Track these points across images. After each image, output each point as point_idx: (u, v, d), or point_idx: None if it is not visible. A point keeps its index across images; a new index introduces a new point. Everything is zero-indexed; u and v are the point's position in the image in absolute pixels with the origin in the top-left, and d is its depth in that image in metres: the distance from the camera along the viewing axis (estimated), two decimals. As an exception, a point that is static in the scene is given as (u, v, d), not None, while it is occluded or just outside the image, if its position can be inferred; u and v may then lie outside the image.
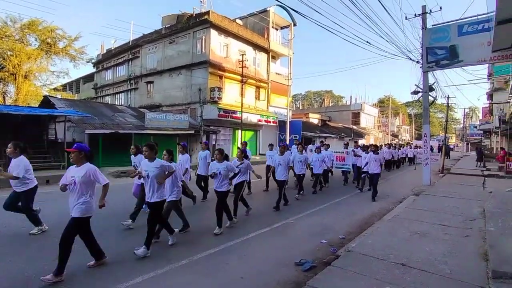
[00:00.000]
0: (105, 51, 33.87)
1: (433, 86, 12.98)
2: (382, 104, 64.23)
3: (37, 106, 19.33)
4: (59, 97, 24.69)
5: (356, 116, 45.70)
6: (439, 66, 12.20)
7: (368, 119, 48.18)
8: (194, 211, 7.14)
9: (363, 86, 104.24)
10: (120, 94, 31.17)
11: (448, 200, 8.50)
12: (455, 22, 11.72)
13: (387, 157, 18.34)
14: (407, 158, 23.76)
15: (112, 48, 32.18)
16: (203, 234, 5.64)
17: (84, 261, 4.13)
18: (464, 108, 50.99)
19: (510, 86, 14.68)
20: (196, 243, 5.11)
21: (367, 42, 12.74)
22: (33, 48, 24.34)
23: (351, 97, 52.16)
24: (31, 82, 25.11)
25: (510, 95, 14.33)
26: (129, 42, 29.24)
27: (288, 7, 10.08)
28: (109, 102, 30.51)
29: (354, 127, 43.11)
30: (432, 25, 12.37)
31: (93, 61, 33.91)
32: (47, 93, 24.37)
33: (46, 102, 16.89)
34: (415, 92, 13.15)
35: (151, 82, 26.75)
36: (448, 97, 20.21)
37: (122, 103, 29.46)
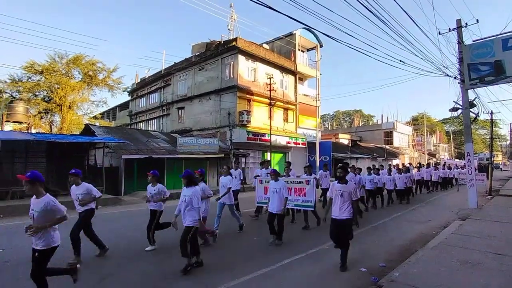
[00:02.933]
0: (139, 80, 35.84)
1: (474, 102, 12.32)
2: (416, 122, 61.79)
3: (79, 133, 20.66)
4: (98, 124, 26.25)
5: (388, 135, 44.24)
6: (484, 83, 11.63)
7: (402, 138, 46.42)
8: (228, 236, 7.06)
9: (394, 104, 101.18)
10: (153, 120, 32.53)
11: (500, 225, 7.79)
12: (498, 36, 11.27)
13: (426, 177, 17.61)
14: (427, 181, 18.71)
15: (146, 77, 34.00)
16: (238, 258, 5.53)
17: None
18: (511, 123, 47.69)
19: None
20: (232, 269, 5.02)
21: (400, 61, 12.48)
22: (76, 80, 26.41)
23: (382, 116, 50.90)
24: (74, 112, 27.09)
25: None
26: (161, 71, 30.77)
27: (315, 29, 10.17)
28: (143, 128, 31.89)
29: (387, 146, 41.62)
30: (473, 41, 11.95)
31: (128, 90, 35.97)
32: (87, 122, 26.14)
33: (87, 130, 18.05)
34: (454, 109, 12.52)
35: (182, 107, 27.71)
36: (492, 113, 19.05)
37: (155, 128, 30.66)
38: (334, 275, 4.82)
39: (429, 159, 41.27)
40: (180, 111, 28.09)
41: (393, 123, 45.04)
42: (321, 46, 30.52)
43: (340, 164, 5.43)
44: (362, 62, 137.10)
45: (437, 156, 56.20)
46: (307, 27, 13.32)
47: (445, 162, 24.49)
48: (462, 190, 16.69)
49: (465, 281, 4.13)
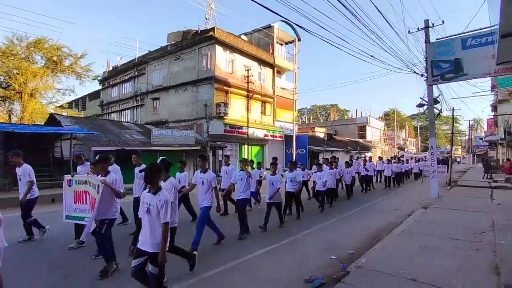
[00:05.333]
0: (111, 68, 34.62)
1: (438, 99, 13.06)
2: (387, 117, 64.22)
3: (43, 124, 19.63)
4: (65, 114, 25.13)
5: (362, 129, 45.72)
6: (444, 79, 12.28)
7: (374, 132, 48.12)
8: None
9: (368, 100, 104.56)
10: (126, 111, 31.66)
11: (457, 213, 8.44)
12: (458, 35, 11.83)
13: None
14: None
15: (118, 65, 32.89)
16: (209, 251, 5.65)
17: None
18: (469, 120, 50.75)
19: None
20: (202, 262, 5.10)
21: (371, 56, 12.94)
22: (39, 66, 24.86)
23: (356, 110, 52.30)
24: (36, 100, 25.51)
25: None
26: (135, 59, 29.90)
27: (293, 22, 10.34)
28: (115, 119, 30.98)
29: (360, 140, 43.05)
30: (436, 39, 12.50)
31: (99, 78, 34.62)
32: (53, 111, 24.79)
33: (52, 120, 17.20)
34: (420, 105, 13.24)
35: (157, 98, 27.17)
36: (453, 109, 20.23)
37: (128, 119, 29.88)
38: (305, 264, 5.07)
39: (397, 153, 43.10)
40: (155, 101, 27.53)
41: (367, 118, 46.59)
42: (299, 39, 30.84)
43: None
44: (338, 58, 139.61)
45: (405, 149, 58.84)
46: (285, 20, 13.43)
47: (401, 155, 25.23)
48: (426, 181, 17.72)
49: (424, 264, 4.52)
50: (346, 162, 13.31)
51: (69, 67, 26.52)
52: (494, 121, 33.95)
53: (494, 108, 31.29)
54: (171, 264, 4.85)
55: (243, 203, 6.75)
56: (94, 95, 38.99)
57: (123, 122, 24.84)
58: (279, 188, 7.40)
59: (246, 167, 7.14)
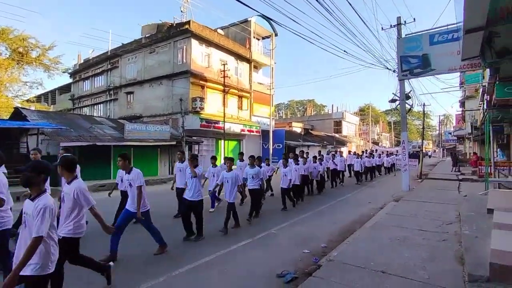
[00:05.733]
0: (82, 61, 33.14)
1: (409, 94, 13.43)
2: (362, 112, 65.79)
3: (7, 118, 18.51)
4: (33, 108, 23.83)
5: (338, 124, 46.51)
6: (413, 74, 12.53)
7: (350, 127, 49.13)
8: (174, 224, 7.00)
9: (344, 96, 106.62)
10: (99, 105, 30.45)
11: (426, 205, 8.71)
12: (426, 31, 12.10)
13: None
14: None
15: (90, 58, 31.52)
16: (183, 248, 5.52)
17: None
18: (439, 115, 52.95)
19: (480, 94, 15.42)
20: (175, 259, 4.96)
21: (344, 51, 13.13)
22: (3, 57, 23.41)
23: (332, 106, 53.18)
24: (1, 93, 24.08)
25: (481, 103, 15.02)
26: (107, 52, 28.73)
27: (268, 17, 10.24)
28: (88, 114, 29.75)
29: (336, 135, 43.81)
30: (406, 35, 12.76)
31: (70, 71, 33.07)
32: (19, 105, 23.42)
33: (18, 114, 16.22)
34: (393, 101, 13.56)
35: (131, 92, 26.30)
36: (424, 105, 20.97)
37: (101, 114, 28.76)
38: (278, 258, 5.04)
39: (371, 147, 44.33)
40: (129, 96, 26.65)
41: (342, 113, 47.46)
42: (276, 34, 30.74)
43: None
44: (315, 55, 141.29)
45: (379, 144, 60.61)
46: (261, 15, 13.29)
47: (375, 150, 25.50)
48: (398, 174, 18.31)
49: (393, 255, 4.60)
50: (314, 157, 12.57)
51: (36, 59, 25.12)
52: (462, 116, 35.53)
53: (462, 104, 32.70)
54: (139, 262, 4.71)
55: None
56: (65, 88, 37.19)
57: (95, 116, 23.86)
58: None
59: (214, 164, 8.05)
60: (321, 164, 12.23)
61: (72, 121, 17.94)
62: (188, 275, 4.37)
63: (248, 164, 8.16)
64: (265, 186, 10.17)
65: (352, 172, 17.25)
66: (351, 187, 14.52)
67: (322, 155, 14.17)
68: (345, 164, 16.25)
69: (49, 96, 40.72)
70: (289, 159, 10.28)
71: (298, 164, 9.98)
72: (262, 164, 9.83)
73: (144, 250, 5.20)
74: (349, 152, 19.83)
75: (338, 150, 25.39)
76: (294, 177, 9.16)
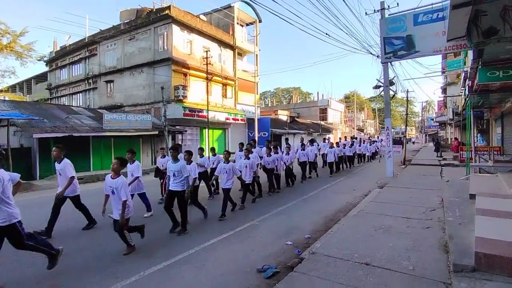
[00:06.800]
0: (58, 48, 31.65)
1: (393, 80, 13.34)
2: (347, 99, 66.15)
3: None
4: (6, 98, 22.67)
5: (323, 111, 46.57)
6: (397, 56, 12.13)
7: (335, 115, 49.31)
8: (148, 220, 6.72)
9: (329, 83, 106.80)
10: (78, 94, 29.28)
11: (410, 191, 8.70)
12: (411, 11, 11.62)
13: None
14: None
15: (67, 45, 30.13)
16: (159, 243, 5.25)
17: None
18: (422, 102, 53.80)
19: (461, 80, 15.52)
20: (149, 256, 4.69)
21: (326, 34, 12.78)
22: (-31, 44, 21.97)
23: (318, 93, 53.19)
24: (-31, 82, 22.74)
25: (462, 88, 15.18)
26: (85, 39, 27.48)
27: (252, 1, 9.77)
28: (66, 104, 28.62)
29: (322, 122, 43.90)
30: (389, 15, 12.34)
31: (45, 59, 31.53)
32: (-11, 95, 22.24)
33: (-14, 105, 15.36)
34: (377, 87, 13.45)
35: (111, 81, 25.35)
36: (408, 91, 21.04)
37: (80, 104, 27.71)
38: (260, 251, 4.84)
39: (354, 135, 44.62)
40: (109, 84, 25.69)
41: (328, 100, 47.50)
42: (260, 21, 30.11)
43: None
44: (300, 42, 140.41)
45: (364, 131, 61.31)
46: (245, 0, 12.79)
47: (353, 138, 23.98)
48: (383, 161, 18.45)
49: (377, 246, 4.46)
50: (287, 147, 11.33)
51: (7, 46, 23.66)
52: (444, 102, 36.17)
53: (444, 90, 33.21)
54: (108, 262, 4.41)
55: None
56: (41, 77, 35.58)
57: (73, 106, 22.91)
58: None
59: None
60: (288, 154, 10.91)
61: (47, 111, 17.14)
62: (163, 273, 4.12)
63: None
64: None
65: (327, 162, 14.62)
66: (336, 175, 14.38)
67: (289, 144, 12.31)
68: (316, 154, 13.54)
69: (24, 86, 38.94)
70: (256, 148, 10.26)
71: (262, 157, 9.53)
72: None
73: (118, 247, 4.91)
74: (324, 139, 18.57)
75: (325, 137, 25.24)
76: (244, 173, 7.90)
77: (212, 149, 9.74)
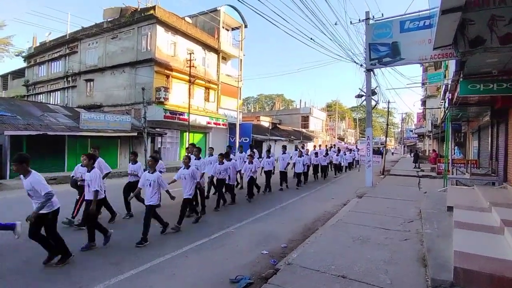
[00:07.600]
0: (38, 44, 30.51)
1: (375, 90, 13.48)
2: (329, 108, 67.11)
3: None
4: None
5: (305, 119, 46.93)
6: (382, 63, 11.99)
7: (317, 123, 49.80)
8: (119, 226, 6.38)
9: (312, 91, 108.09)
10: (56, 92, 28.20)
11: (388, 201, 8.70)
12: (397, 17, 11.55)
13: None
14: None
15: (47, 41, 29.09)
16: (127, 251, 4.94)
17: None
18: (402, 113, 55.23)
19: (441, 93, 15.95)
20: (117, 263, 4.39)
21: (310, 38, 12.77)
22: None
23: (300, 101, 53.66)
24: None
25: (442, 101, 15.61)
26: (66, 35, 26.61)
27: (239, 1, 9.61)
28: (44, 101, 27.45)
29: (304, 130, 44.21)
30: (375, 20, 12.24)
31: (24, 54, 30.30)
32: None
33: (-46, 99, 14.49)
34: (359, 96, 13.56)
35: (91, 80, 24.57)
36: (389, 102, 21.45)
37: (58, 102, 26.66)
38: (234, 260, 4.62)
39: (333, 144, 45.15)
40: (89, 83, 24.88)
41: (310, 108, 47.96)
42: (245, 26, 30.11)
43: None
44: (285, 48, 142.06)
45: (345, 140, 62.24)
46: (231, 5, 12.67)
47: (333, 145, 23.41)
48: (363, 170, 18.61)
49: (355, 257, 4.34)
50: (250, 155, 10.23)
51: (-18, 39, 22.64)
52: (423, 114, 37.20)
53: (424, 102, 34.17)
54: (71, 271, 4.07)
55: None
56: (19, 73, 34.11)
57: (49, 104, 21.99)
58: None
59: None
60: (251, 163, 9.70)
61: (22, 108, 16.32)
62: (129, 282, 3.84)
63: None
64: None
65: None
66: (318, 182, 14.36)
67: (253, 152, 11.66)
68: (287, 163, 12.10)
69: (0, 81, 37.26)
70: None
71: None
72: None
73: (83, 254, 4.57)
74: (296, 147, 16.75)
75: (304, 145, 25.20)
76: (185, 186, 6.53)
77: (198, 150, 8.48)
